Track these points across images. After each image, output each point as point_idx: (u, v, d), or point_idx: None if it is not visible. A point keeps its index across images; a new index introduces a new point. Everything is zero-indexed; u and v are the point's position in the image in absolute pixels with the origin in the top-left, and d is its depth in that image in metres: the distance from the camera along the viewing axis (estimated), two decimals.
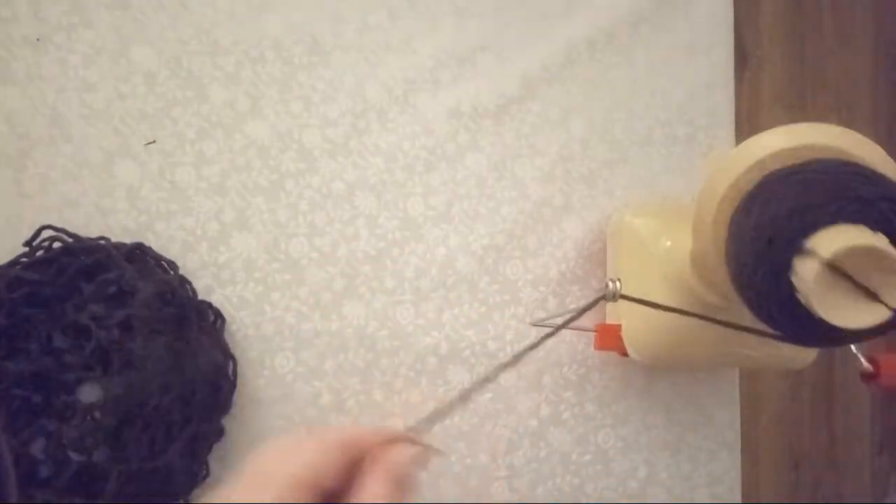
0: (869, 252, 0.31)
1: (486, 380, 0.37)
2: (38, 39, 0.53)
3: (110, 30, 0.54)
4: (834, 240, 0.31)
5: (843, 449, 1.38)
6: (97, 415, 0.49)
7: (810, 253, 0.32)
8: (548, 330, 0.38)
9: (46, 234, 0.51)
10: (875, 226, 0.32)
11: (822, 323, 0.32)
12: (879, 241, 0.31)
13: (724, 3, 0.64)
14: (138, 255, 0.52)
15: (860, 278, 0.32)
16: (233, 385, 0.53)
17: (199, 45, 0.55)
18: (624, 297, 0.42)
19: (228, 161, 0.55)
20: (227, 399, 0.53)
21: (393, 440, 0.33)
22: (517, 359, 0.38)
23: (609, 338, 0.55)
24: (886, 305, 0.32)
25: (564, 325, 0.40)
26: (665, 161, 0.62)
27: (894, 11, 1.47)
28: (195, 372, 0.50)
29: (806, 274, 0.32)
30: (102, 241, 0.52)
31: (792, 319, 0.34)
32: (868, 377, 0.51)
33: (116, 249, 0.51)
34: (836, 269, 0.31)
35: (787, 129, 0.37)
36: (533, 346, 0.38)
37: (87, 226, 0.53)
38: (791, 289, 0.33)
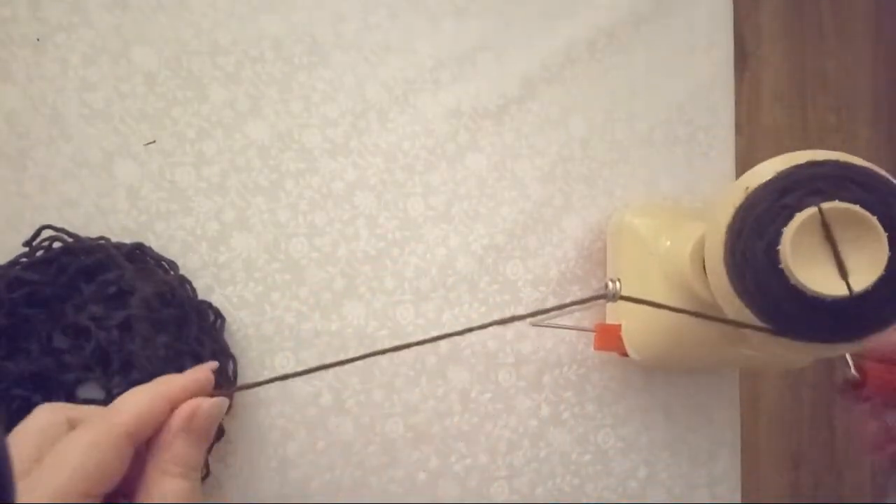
0: (864, 224, 0.33)
1: (332, 365, 0.37)
2: (38, 39, 0.53)
3: (110, 30, 0.54)
4: (837, 203, 0.33)
5: (843, 449, 1.38)
6: None
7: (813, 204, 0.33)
8: (550, 331, 0.38)
9: (46, 234, 0.51)
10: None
11: (793, 289, 0.33)
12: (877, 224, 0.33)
13: (724, 3, 0.64)
14: (138, 255, 0.52)
15: (842, 251, 0.33)
16: (233, 385, 0.53)
17: (199, 45, 0.55)
18: (624, 297, 0.42)
19: (228, 161, 0.55)
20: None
21: (183, 399, 0.32)
22: (411, 345, 0.38)
23: (609, 338, 0.55)
24: (848, 285, 0.33)
25: (541, 313, 0.41)
26: (665, 161, 0.62)
27: (894, 11, 1.47)
28: None
29: (798, 218, 0.33)
30: (102, 241, 0.52)
31: (768, 286, 0.35)
32: (854, 385, 0.51)
33: (116, 249, 0.51)
34: (826, 231, 0.33)
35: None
36: (443, 337, 0.38)
37: (87, 226, 0.53)
38: (776, 259, 0.34)
